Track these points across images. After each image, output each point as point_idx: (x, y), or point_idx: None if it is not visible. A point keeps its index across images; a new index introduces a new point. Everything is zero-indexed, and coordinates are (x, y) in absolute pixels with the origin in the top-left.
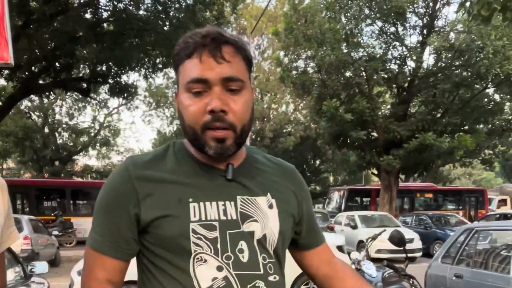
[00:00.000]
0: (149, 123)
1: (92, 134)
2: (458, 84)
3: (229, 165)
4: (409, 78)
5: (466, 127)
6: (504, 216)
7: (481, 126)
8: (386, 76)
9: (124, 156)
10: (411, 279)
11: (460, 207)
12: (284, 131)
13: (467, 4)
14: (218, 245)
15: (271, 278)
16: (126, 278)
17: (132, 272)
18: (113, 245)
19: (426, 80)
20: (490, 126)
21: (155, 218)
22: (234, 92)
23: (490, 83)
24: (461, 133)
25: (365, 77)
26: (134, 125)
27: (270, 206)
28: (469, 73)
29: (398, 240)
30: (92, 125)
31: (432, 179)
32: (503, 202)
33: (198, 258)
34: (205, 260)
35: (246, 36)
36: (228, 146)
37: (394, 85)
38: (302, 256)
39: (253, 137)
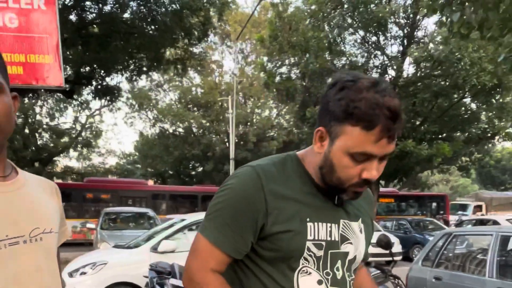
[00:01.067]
0: (132, 125)
1: (74, 135)
2: (436, 94)
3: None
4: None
5: (444, 135)
6: (480, 222)
7: (458, 134)
8: None
9: (106, 158)
10: (396, 279)
11: (423, 212)
12: (267, 135)
13: (446, 20)
14: (321, 262)
15: None
16: (118, 280)
17: (123, 274)
18: (234, 246)
19: (406, 89)
20: (467, 134)
21: (278, 231)
22: (381, 161)
23: (467, 93)
24: (439, 141)
25: None
26: (116, 127)
27: (361, 231)
28: (447, 83)
29: (385, 243)
30: (74, 126)
31: (411, 185)
32: (478, 208)
33: (303, 270)
34: (309, 273)
35: (230, 41)
36: None
37: None
38: None
39: (236, 141)
